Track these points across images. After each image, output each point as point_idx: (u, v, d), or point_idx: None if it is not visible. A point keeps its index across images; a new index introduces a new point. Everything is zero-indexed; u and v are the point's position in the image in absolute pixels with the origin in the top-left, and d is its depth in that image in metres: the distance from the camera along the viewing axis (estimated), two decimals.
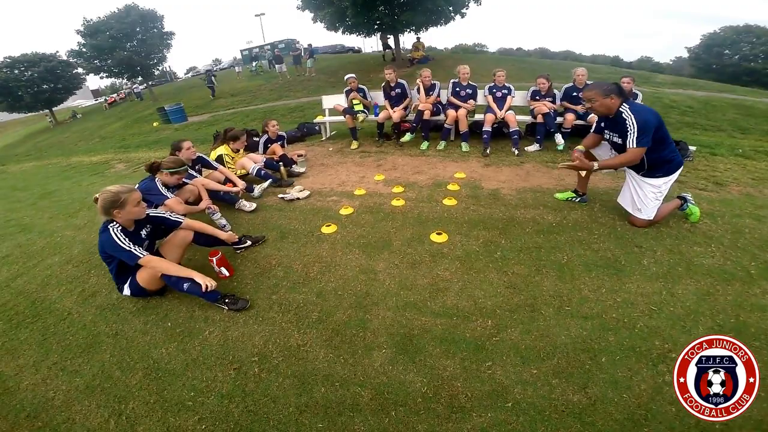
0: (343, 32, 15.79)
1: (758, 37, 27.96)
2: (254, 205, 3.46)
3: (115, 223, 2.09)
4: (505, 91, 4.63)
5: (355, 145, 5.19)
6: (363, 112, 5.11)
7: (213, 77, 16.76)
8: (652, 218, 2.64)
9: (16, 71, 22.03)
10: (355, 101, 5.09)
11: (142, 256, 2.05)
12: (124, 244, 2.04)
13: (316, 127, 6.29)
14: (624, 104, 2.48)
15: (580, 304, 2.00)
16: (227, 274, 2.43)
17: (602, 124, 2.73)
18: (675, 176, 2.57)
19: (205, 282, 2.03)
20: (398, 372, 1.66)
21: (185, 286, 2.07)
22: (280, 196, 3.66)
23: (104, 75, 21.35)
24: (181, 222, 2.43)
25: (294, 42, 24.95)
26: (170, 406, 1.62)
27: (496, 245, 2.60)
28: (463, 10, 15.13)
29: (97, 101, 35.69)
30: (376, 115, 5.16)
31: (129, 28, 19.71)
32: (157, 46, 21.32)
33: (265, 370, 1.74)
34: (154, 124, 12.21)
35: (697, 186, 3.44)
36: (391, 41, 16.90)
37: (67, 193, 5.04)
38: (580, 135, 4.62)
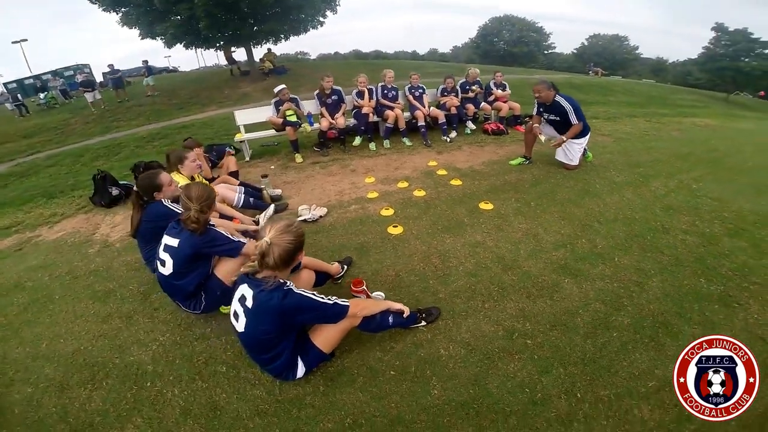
0: (187, 47, 14.03)
1: (513, 25, 37.39)
2: None
3: (285, 281, 1.64)
4: (421, 90, 5.51)
5: (299, 158, 4.93)
6: (298, 122, 4.92)
7: (18, 95, 15.92)
8: (577, 163, 4.09)
9: None
10: (288, 112, 4.84)
11: (347, 303, 1.70)
12: (321, 299, 1.66)
13: (227, 147, 5.44)
14: (557, 95, 3.79)
15: (604, 215, 3.09)
16: (383, 296, 2.26)
17: (541, 109, 4.02)
18: (588, 137, 4.08)
19: (403, 308, 1.92)
20: (588, 289, 2.23)
21: (391, 320, 1.88)
22: (299, 219, 3.32)
23: None
24: (300, 263, 2.10)
25: (84, 67, 20.30)
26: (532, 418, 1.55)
27: (524, 200, 3.44)
28: (322, 19, 15.49)
29: None
30: (311, 124, 5.07)
31: None
32: None
33: (532, 343, 1.89)
34: None
35: None
36: (236, 55, 16.17)
37: None
38: (477, 121, 6.08)
